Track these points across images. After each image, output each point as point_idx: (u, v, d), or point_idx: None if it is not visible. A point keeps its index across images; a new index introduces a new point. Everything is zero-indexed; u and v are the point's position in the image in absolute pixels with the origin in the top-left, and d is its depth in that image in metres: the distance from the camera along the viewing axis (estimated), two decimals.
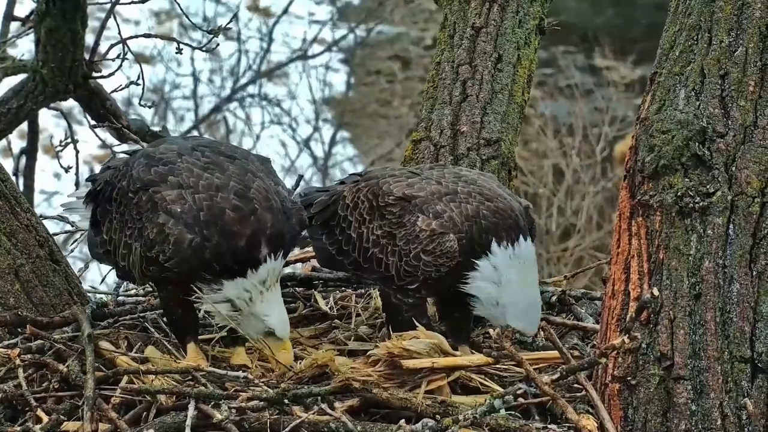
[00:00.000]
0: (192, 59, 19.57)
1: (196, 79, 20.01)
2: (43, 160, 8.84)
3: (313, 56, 21.10)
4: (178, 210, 4.90)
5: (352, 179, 5.42)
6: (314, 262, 5.89)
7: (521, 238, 5.10)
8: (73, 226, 6.66)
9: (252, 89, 20.41)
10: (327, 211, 5.36)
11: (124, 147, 7.25)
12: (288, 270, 6.07)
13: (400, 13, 22.69)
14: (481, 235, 5.07)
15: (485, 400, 4.56)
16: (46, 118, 8.74)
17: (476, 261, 5.06)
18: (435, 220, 5.08)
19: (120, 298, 5.86)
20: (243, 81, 20.23)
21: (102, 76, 7.08)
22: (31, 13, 7.05)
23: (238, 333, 5.07)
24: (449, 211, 5.08)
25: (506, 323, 5.07)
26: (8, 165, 6.30)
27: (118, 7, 7.11)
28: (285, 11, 20.95)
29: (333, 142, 20.47)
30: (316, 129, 20.37)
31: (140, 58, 7.42)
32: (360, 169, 19.38)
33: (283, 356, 5.01)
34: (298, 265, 6.24)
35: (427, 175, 5.22)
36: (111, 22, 7.08)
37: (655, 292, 4.58)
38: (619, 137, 18.40)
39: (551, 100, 19.60)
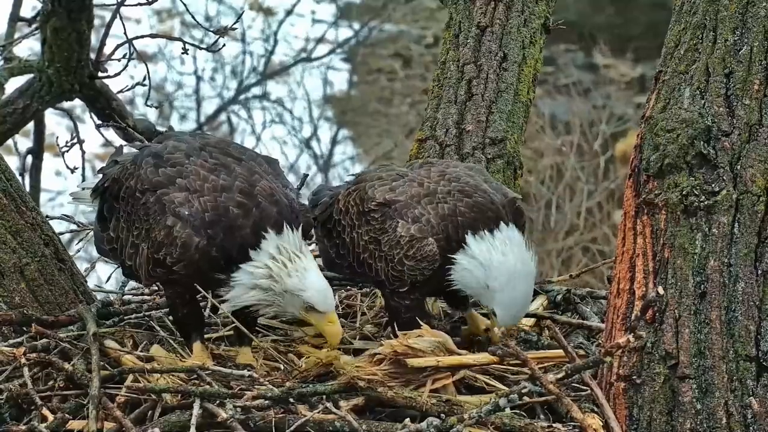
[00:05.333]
0: (194, 58, 19.57)
1: (199, 78, 20.00)
2: (45, 160, 8.83)
3: (317, 58, 21.10)
4: (186, 213, 4.91)
5: (354, 180, 5.44)
6: (319, 261, 5.89)
7: (501, 224, 5.09)
8: (79, 226, 6.67)
9: (256, 90, 20.40)
10: (326, 214, 5.39)
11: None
12: None
13: (401, 11, 22.67)
14: (458, 232, 5.08)
15: (490, 399, 4.57)
16: (47, 117, 8.74)
17: (453, 256, 5.06)
18: (414, 224, 5.10)
19: (125, 296, 5.87)
20: (247, 82, 20.22)
21: (108, 76, 7.09)
22: (38, 13, 7.05)
23: (282, 317, 5.03)
24: (426, 213, 5.10)
25: (492, 308, 5.05)
26: (12, 164, 6.29)
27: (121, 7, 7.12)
28: (290, 12, 20.93)
29: (335, 140, 20.46)
30: (318, 128, 20.37)
31: (143, 56, 7.42)
32: (362, 167, 19.43)
33: (330, 330, 4.93)
34: None
35: (412, 177, 5.23)
36: (115, 21, 7.09)
37: (660, 290, 4.58)
38: (619, 134, 18.40)
39: (550, 98, 19.60)
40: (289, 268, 4.86)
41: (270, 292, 4.90)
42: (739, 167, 4.59)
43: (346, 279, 5.94)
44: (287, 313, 4.97)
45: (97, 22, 7.03)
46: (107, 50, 7.18)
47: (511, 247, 5.04)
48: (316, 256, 5.92)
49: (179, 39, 7.48)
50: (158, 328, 5.40)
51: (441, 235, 5.08)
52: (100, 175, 5.37)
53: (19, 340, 5.17)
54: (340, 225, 5.30)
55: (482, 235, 5.05)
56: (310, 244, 5.74)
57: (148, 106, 7.45)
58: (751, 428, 4.51)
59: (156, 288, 5.78)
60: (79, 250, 6.81)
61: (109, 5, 7.23)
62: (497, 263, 5.01)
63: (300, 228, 4.98)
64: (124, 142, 7.40)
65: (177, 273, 4.94)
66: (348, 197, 5.29)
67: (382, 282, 5.20)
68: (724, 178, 4.59)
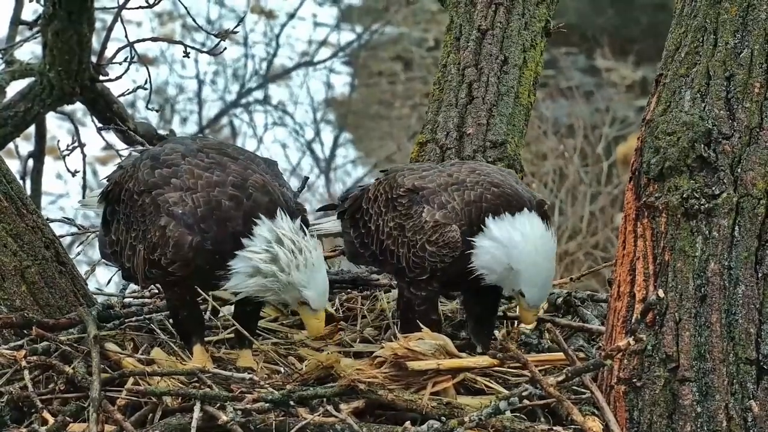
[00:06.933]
0: (196, 62, 19.59)
1: (200, 82, 20.02)
2: (46, 163, 8.84)
3: (319, 62, 21.11)
4: (180, 212, 4.92)
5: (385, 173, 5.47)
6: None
7: (524, 210, 5.09)
8: (79, 229, 6.67)
9: (257, 93, 20.42)
10: (354, 205, 5.41)
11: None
12: None
13: (402, 13, 22.69)
14: (479, 215, 5.08)
15: (490, 402, 4.57)
16: (48, 120, 8.75)
17: (472, 239, 5.06)
18: (439, 211, 5.11)
19: (126, 299, 5.87)
20: (248, 85, 20.24)
21: (109, 80, 7.10)
22: (39, 17, 7.06)
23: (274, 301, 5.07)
24: (452, 201, 5.11)
25: (519, 288, 5.04)
26: (13, 167, 6.30)
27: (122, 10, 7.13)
28: (292, 16, 20.95)
29: (336, 144, 20.47)
30: (318, 133, 20.38)
31: (144, 59, 7.43)
32: (361, 170, 19.44)
33: (313, 324, 5.03)
34: None
35: (442, 168, 5.26)
36: (116, 24, 7.10)
37: (661, 293, 4.58)
38: (622, 138, 18.41)
39: (551, 101, 19.61)
40: (299, 260, 4.89)
41: (272, 278, 4.92)
42: (739, 170, 4.59)
43: (346, 282, 5.95)
44: (282, 300, 5.03)
45: (98, 25, 7.04)
46: (108, 53, 7.18)
47: (531, 228, 5.05)
48: (327, 256, 5.98)
49: (180, 42, 7.49)
50: (159, 331, 5.40)
51: (464, 220, 5.09)
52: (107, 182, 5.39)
53: (19, 342, 5.17)
54: (367, 214, 5.33)
55: (502, 217, 5.07)
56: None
57: (149, 109, 7.46)
58: (751, 431, 4.51)
59: (156, 291, 5.78)
60: (79, 253, 6.82)
61: (110, 8, 7.24)
62: (519, 243, 5.02)
63: (299, 219, 4.99)
64: (124, 146, 7.42)
65: (173, 274, 4.94)
66: (378, 186, 5.33)
67: (402, 270, 5.19)
68: (725, 181, 4.59)
